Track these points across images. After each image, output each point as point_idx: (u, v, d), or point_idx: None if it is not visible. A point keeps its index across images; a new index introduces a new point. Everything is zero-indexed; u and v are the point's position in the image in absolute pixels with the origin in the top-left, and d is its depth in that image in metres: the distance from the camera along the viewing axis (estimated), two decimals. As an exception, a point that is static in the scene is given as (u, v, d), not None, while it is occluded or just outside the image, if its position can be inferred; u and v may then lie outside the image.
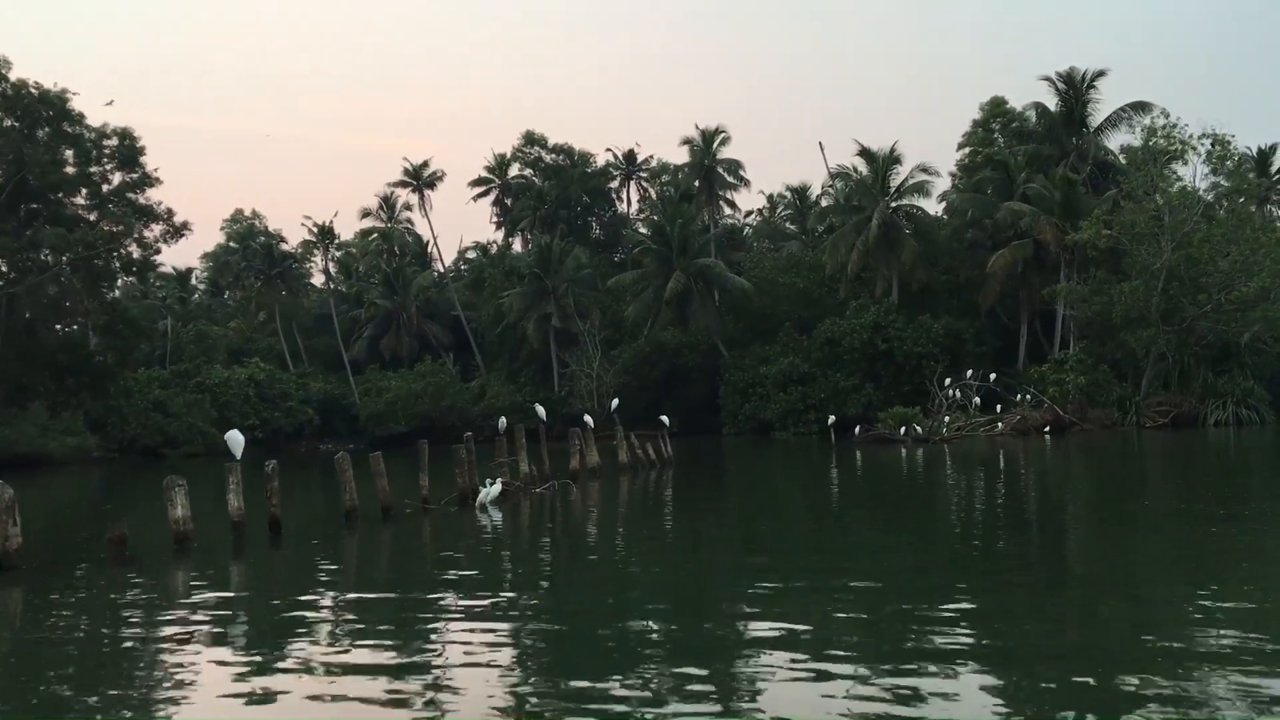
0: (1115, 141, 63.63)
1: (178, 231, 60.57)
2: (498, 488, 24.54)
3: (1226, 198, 51.18)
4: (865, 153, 64.84)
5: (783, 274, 68.68)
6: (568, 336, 73.82)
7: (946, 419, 44.85)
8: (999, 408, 45.55)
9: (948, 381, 46.21)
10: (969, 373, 50.29)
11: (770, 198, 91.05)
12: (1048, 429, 47.81)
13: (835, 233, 65.78)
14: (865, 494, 28.53)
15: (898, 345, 59.57)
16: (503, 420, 32.80)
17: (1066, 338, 59.27)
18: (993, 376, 50.48)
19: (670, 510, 25.68)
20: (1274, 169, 64.64)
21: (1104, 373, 52.69)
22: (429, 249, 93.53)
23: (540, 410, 32.11)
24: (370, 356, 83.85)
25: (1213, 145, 50.40)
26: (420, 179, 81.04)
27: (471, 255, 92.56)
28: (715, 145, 78.35)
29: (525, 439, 31.02)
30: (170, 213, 60.13)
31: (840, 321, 62.25)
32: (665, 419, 38.48)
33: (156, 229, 60.06)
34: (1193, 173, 51.60)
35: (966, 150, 74.66)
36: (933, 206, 69.89)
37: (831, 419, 46.30)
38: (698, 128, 77.36)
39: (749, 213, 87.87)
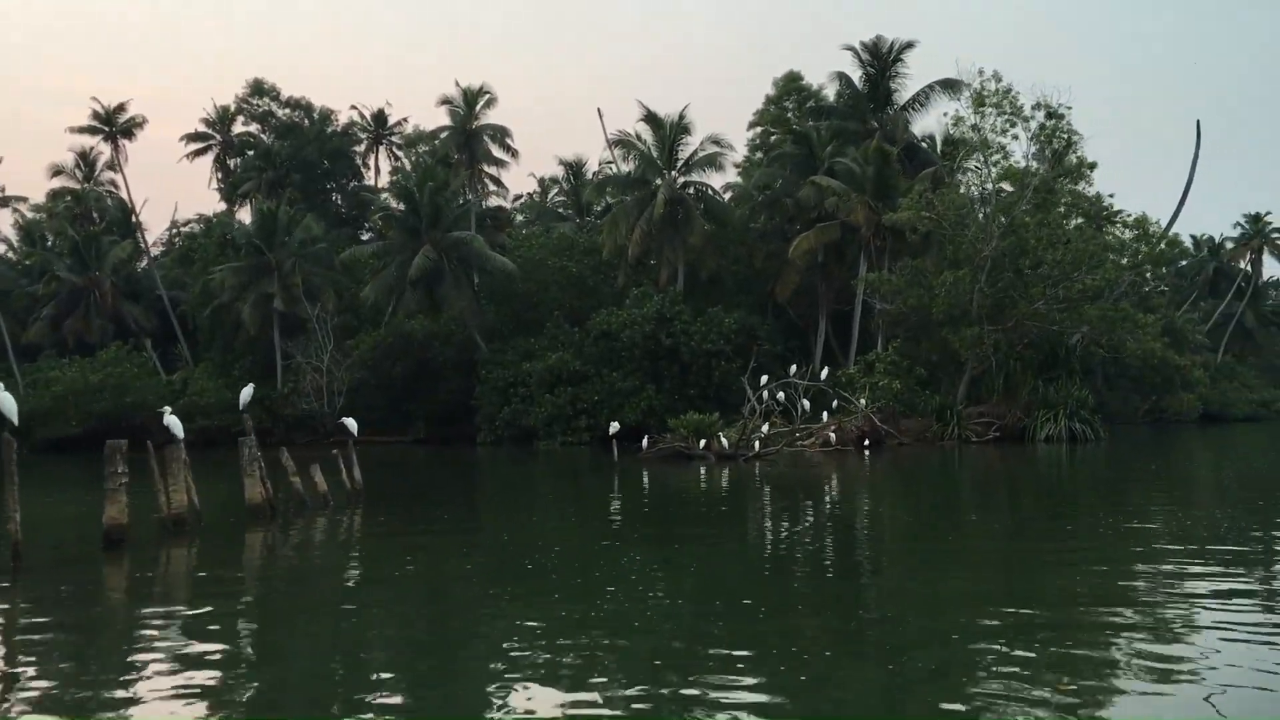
0: (921, 125, 57.43)
1: None
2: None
3: (1064, 178, 44.88)
4: (650, 118, 55.86)
5: (553, 256, 58.82)
6: (295, 322, 61.45)
7: (764, 429, 35.88)
8: (825, 415, 36.72)
9: (763, 380, 36.57)
10: (793, 369, 41.42)
11: (542, 181, 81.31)
12: (866, 442, 40.02)
13: (614, 209, 56.54)
14: (648, 537, 18.90)
15: (684, 341, 50.71)
16: (170, 419, 20.98)
17: (869, 339, 52.04)
18: (824, 372, 41.86)
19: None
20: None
21: (919, 376, 45.45)
22: (135, 216, 78.40)
23: (172, 421, 20.51)
24: (53, 342, 68.66)
25: (1047, 118, 43.97)
26: (114, 125, 66.27)
27: (190, 228, 78.06)
28: (479, 107, 67.64)
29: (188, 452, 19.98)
30: None
31: (618, 312, 52.96)
32: (350, 422, 26.00)
33: None
34: (1026, 149, 45.11)
35: (758, 130, 67.13)
36: (724, 188, 61.80)
37: (615, 427, 36.27)
38: (458, 85, 66.40)
39: (518, 197, 77.37)
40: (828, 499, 24.71)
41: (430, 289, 56.38)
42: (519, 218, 74.99)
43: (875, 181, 48.14)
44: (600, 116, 58.19)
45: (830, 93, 60.51)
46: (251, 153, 71.52)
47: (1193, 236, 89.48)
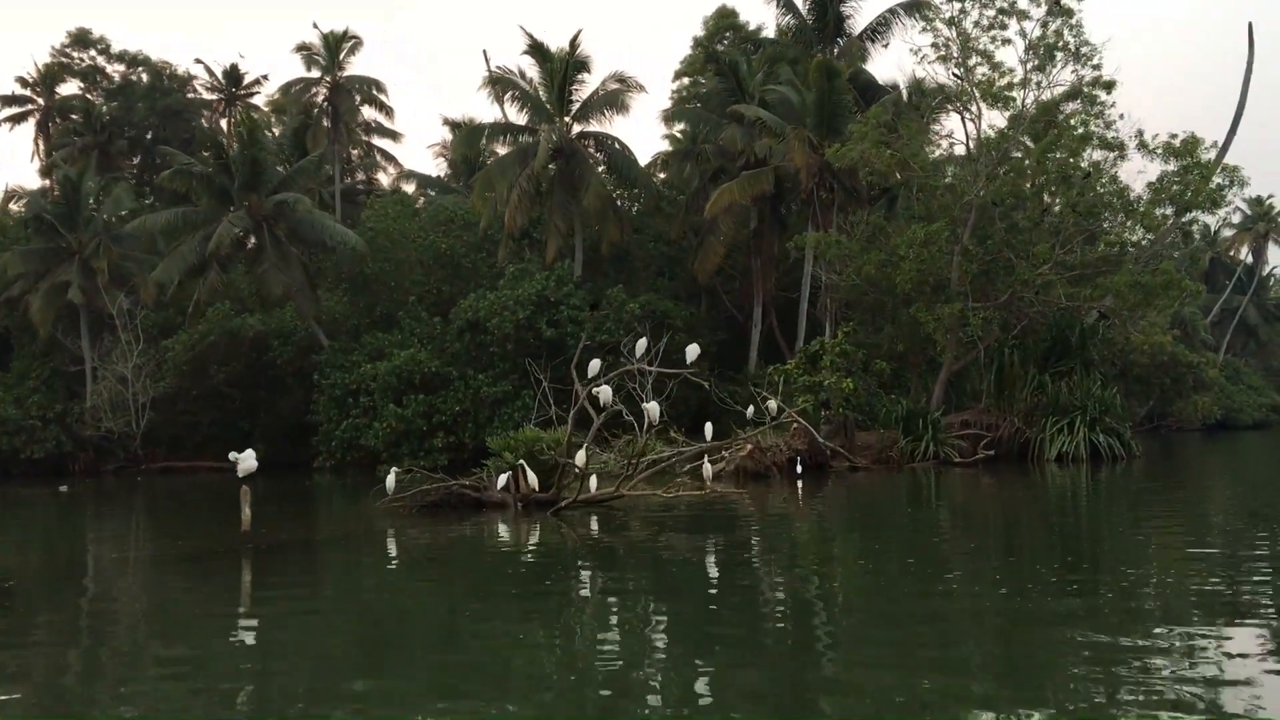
0: (882, 69, 45.19)
1: None
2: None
3: (1075, 99, 32.43)
4: (536, 49, 43.33)
5: (418, 229, 46.15)
6: (106, 320, 48.50)
7: (607, 457, 22.97)
8: (708, 430, 23.18)
9: (592, 366, 22.16)
10: (641, 343, 25.89)
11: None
12: (799, 468, 27.45)
13: (487, 166, 44.03)
14: None
15: (571, 331, 38.10)
16: None
17: (819, 328, 39.55)
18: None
19: None
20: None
21: (880, 373, 33.00)
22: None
23: None
24: None
25: (1050, 14, 31.71)
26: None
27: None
28: (343, 55, 55.15)
29: None
30: None
31: (488, 295, 40.39)
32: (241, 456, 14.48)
33: None
34: (1024, 62, 32.64)
35: (684, 82, 54.66)
36: (642, 156, 48.97)
37: (391, 477, 21.44)
38: (317, 27, 53.81)
39: (408, 174, 64.26)
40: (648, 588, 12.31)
41: (248, 269, 43.52)
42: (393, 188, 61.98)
43: (818, 111, 35.73)
44: (486, 59, 45.46)
45: (770, 30, 48.39)
46: (78, 117, 58.40)
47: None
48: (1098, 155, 32.31)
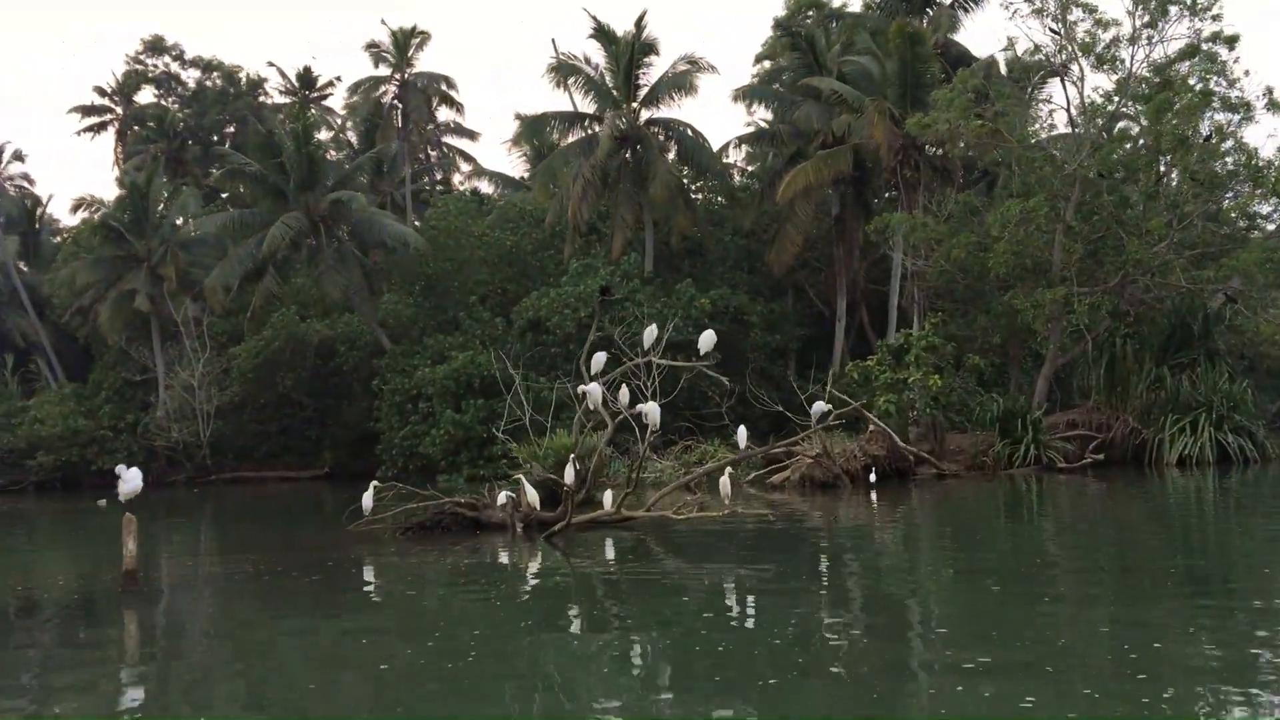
0: (974, 38, 41.41)
1: None
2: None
3: (1193, 57, 28.52)
4: (601, 32, 40.83)
5: (480, 225, 44.08)
6: (172, 328, 47.59)
7: (664, 465, 19.96)
8: (742, 435, 19.72)
9: (595, 360, 18.61)
10: (649, 331, 21.17)
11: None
12: (873, 476, 24.31)
13: (549, 157, 41.72)
14: None
15: (636, 330, 35.40)
16: None
17: (906, 322, 36.14)
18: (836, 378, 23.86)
19: None
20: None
21: (977, 369, 29.57)
22: (40, 211, 65.48)
23: None
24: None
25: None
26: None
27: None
28: (411, 51, 53.54)
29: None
30: None
31: (550, 293, 38.06)
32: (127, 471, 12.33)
33: None
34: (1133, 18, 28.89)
35: (765, 66, 51.50)
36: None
37: (367, 499, 18.08)
38: (385, 24, 52.33)
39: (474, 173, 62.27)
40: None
41: (309, 272, 41.93)
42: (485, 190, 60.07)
43: (900, 80, 32.40)
44: (555, 48, 43.20)
45: (856, 5, 45.07)
46: (153, 124, 57.98)
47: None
48: (1220, 118, 28.40)
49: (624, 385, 17.45)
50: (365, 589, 13.95)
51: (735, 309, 37.80)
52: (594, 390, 16.42)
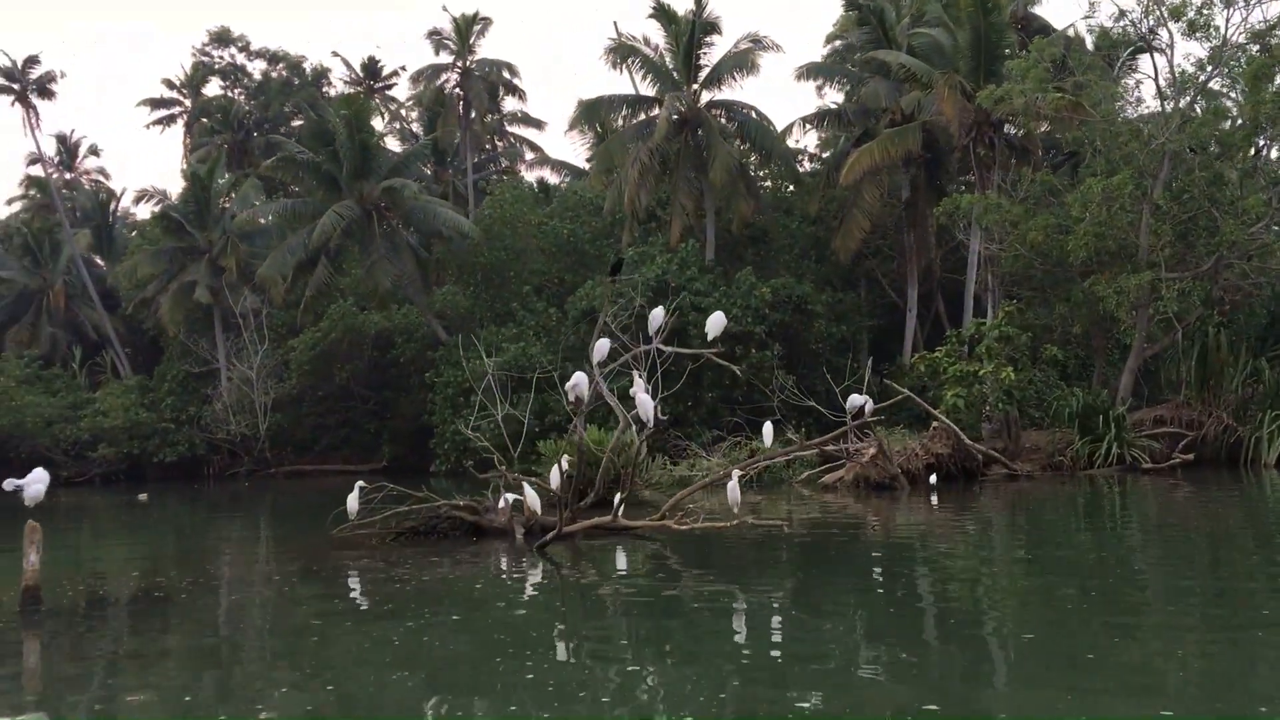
0: (1056, 10, 39.04)
1: None
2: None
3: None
4: (661, 11, 39.32)
5: (535, 211, 42.91)
6: (232, 319, 47.34)
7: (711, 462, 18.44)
8: (768, 430, 18.06)
9: (600, 350, 17.32)
10: (657, 313, 19.68)
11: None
12: (933, 478, 22.44)
13: (606, 141, 40.32)
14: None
15: (694, 320, 33.93)
16: None
17: (981, 310, 34.04)
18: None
19: None
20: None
21: (1054, 360, 27.48)
22: (114, 205, 66.12)
23: None
24: (-6, 357, 56.58)
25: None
26: (25, 83, 53.20)
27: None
28: (473, 38, 52.56)
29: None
30: None
31: (604, 282, 36.66)
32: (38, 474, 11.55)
33: None
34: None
35: (837, 45, 49.44)
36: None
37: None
38: (446, 10, 51.43)
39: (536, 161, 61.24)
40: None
41: (361, 260, 41.10)
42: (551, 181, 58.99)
43: (973, 52, 30.31)
44: (617, 30, 42.04)
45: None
46: (219, 116, 57.97)
47: None
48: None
49: (635, 375, 15.87)
50: (342, 599, 12.64)
51: (798, 298, 36.04)
52: (580, 382, 14.89)
